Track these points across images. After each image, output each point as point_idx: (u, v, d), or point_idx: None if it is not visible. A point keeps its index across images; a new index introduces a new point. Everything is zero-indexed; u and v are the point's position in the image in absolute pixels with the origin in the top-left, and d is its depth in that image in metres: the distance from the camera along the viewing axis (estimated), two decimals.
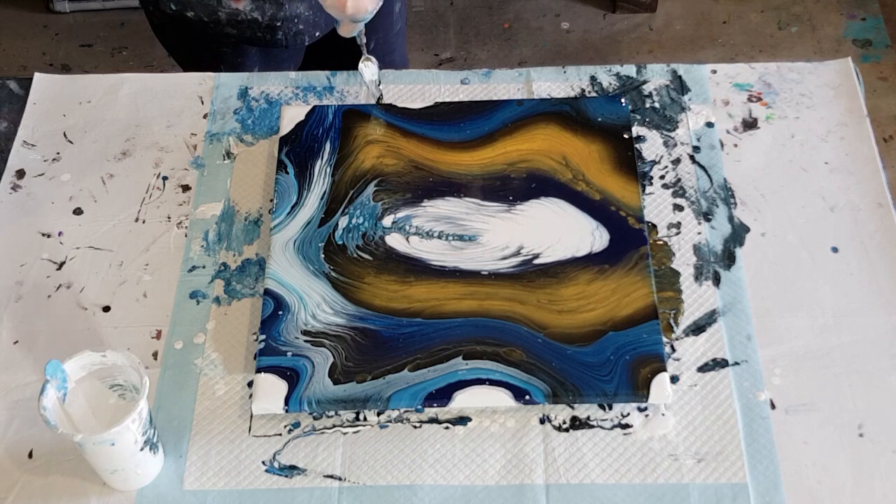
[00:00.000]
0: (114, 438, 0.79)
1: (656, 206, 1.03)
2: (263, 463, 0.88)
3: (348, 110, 1.08)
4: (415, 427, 0.90)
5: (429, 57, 2.22)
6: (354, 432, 0.89)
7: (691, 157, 1.07)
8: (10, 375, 0.93)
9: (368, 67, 1.08)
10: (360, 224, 1.00)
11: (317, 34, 1.23)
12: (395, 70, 1.16)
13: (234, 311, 0.97)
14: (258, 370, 0.90)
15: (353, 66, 1.12)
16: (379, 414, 0.90)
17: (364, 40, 1.07)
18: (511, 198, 1.01)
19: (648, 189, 1.04)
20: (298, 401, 0.88)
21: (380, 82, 1.09)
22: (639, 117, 1.10)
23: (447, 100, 1.12)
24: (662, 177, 1.05)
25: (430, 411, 0.90)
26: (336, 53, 1.31)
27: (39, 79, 1.16)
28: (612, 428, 0.89)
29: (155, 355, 0.94)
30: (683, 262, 0.99)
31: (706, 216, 1.02)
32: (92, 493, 0.86)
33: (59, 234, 1.03)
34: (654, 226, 1.02)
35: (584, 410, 0.90)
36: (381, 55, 1.35)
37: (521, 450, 0.88)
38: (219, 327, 0.96)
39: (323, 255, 0.98)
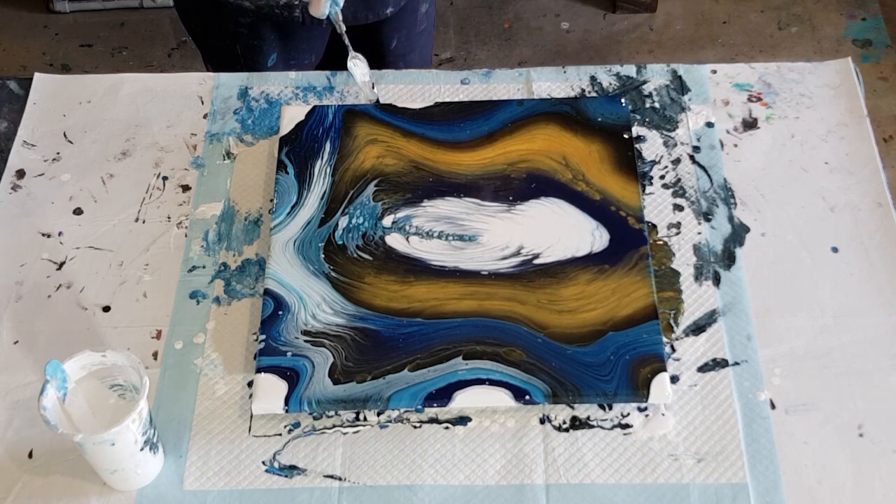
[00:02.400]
0: (114, 438, 0.79)
1: (656, 206, 1.03)
2: (263, 463, 0.88)
3: (348, 110, 1.08)
4: (415, 427, 0.90)
5: None
6: (354, 432, 0.89)
7: (691, 157, 1.07)
8: (10, 375, 0.93)
9: (358, 67, 1.08)
10: (360, 224, 1.00)
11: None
12: (394, 70, 1.16)
13: (234, 311, 0.97)
14: (258, 370, 0.90)
15: (375, 63, 1.11)
16: (379, 414, 0.90)
17: (342, 29, 1.06)
18: (511, 198, 1.01)
19: (648, 189, 1.04)
20: (298, 401, 0.88)
21: (374, 84, 1.09)
22: (639, 117, 1.10)
23: (447, 100, 1.12)
24: (662, 177, 1.05)
25: (430, 411, 0.90)
26: (359, 48, 1.31)
27: (39, 79, 1.16)
28: (612, 428, 0.89)
29: (155, 355, 0.94)
30: (683, 262, 0.99)
31: (706, 216, 1.02)
32: (92, 493, 0.86)
33: (59, 234, 1.03)
34: (654, 226, 1.02)
35: (584, 410, 0.90)
36: (400, 53, 1.35)
37: (521, 450, 0.88)
38: (219, 327, 0.96)
39: (323, 255, 0.98)
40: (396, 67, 1.37)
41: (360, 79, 1.08)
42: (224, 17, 1.22)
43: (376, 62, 1.33)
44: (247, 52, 1.24)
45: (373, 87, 1.09)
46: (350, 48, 1.07)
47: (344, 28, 1.06)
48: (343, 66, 1.11)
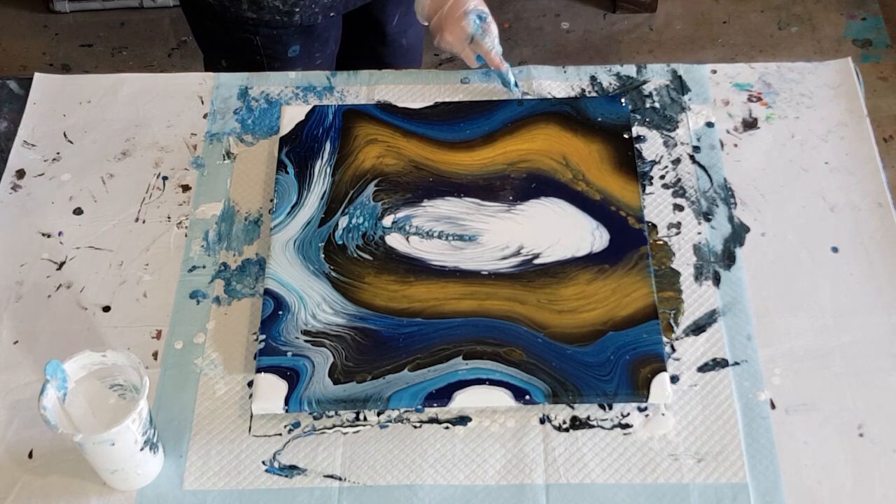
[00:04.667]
0: (114, 438, 0.79)
1: (656, 206, 1.03)
2: (263, 463, 0.88)
3: (348, 110, 1.08)
4: (415, 427, 0.90)
5: (429, 57, 2.22)
6: (354, 432, 0.89)
7: (691, 157, 1.07)
8: (10, 375, 0.93)
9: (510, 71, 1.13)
10: (360, 224, 1.00)
11: (331, 14, 1.23)
12: (394, 70, 1.17)
13: (234, 311, 0.97)
14: (258, 370, 0.90)
15: (378, 40, 1.12)
16: (379, 414, 0.90)
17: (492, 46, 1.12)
18: (511, 198, 1.01)
19: (648, 189, 1.04)
20: (298, 401, 0.88)
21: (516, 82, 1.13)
22: (639, 117, 1.10)
23: (447, 100, 1.12)
24: (662, 177, 1.05)
25: (430, 411, 0.90)
26: (362, 27, 1.31)
27: (39, 79, 1.16)
28: (612, 428, 0.89)
29: (155, 355, 0.94)
30: (683, 262, 0.99)
31: (706, 216, 1.02)
32: (92, 493, 0.86)
33: (59, 234, 1.03)
34: (654, 226, 1.02)
35: (584, 410, 0.90)
36: (402, 28, 1.37)
37: (521, 450, 0.88)
38: (219, 327, 0.96)
39: (323, 255, 0.98)
40: (398, 44, 1.38)
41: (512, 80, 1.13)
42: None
43: (378, 41, 1.34)
44: (267, 43, 1.24)
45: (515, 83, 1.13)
46: (518, 84, 1.12)
47: (500, 64, 1.11)
48: (356, 59, 1.12)
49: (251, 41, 1.24)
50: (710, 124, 1.09)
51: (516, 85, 1.12)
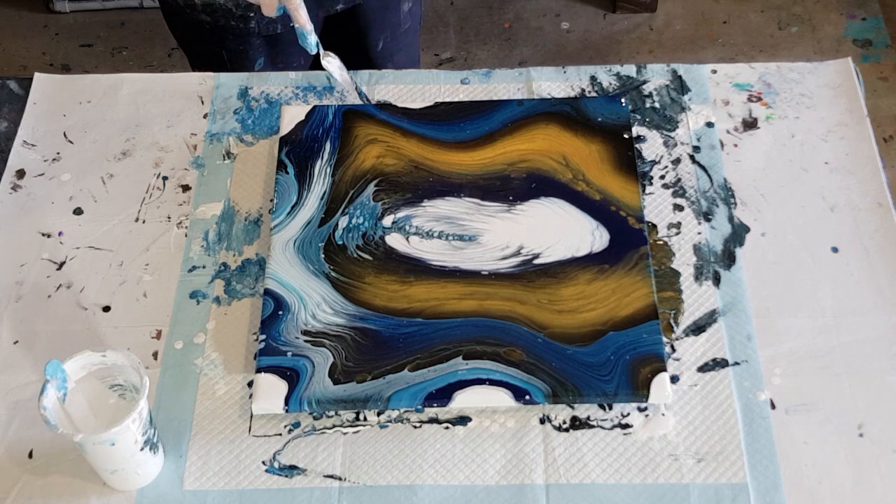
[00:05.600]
0: (114, 438, 0.79)
1: (656, 206, 1.03)
2: (263, 463, 0.88)
3: (348, 110, 1.08)
4: (415, 427, 0.90)
5: (429, 57, 2.22)
6: (354, 432, 0.89)
7: (691, 157, 1.07)
8: (10, 375, 0.93)
9: (332, 63, 1.07)
10: (360, 224, 1.00)
11: (291, 24, 1.22)
12: (394, 70, 1.16)
13: (234, 311, 0.97)
14: (258, 370, 0.90)
15: (363, 65, 1.11)
16: (379, 414, 0.90)
17: (303, 25, 1.04)
18: (511, 198, 1.01)
19: (648, 189, 1.04)
20: (298, 401, 0.89)
21: (353, 78, 1.09)
22: (639, 117, 1.10)
23: (447, 100, 1.12)
24: (662, 177, 1.05)
25: (430, 411, 0.90)
26: (345, 52, 1.31)
27: (39, 79, 1.16)
28: (612, 428, 0.89)
29: (155, 355, 0.94)
30: (683, 262, 0.99)
31: (706, 216, 1.02)
32: (92, 493, 0.86)
33: (59, 234, 1.03)
34: (654, 226, 1.02)
35: (584, 410, 0.90)
36: (388, 54, 1.35)
37: (521, 450, 0.88)
38: (219, 327, 0.96)
39: (323, 255, 0.98)
40: (385, 69, 1.37)
41: (338, 75, 1.08)
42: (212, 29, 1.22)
43: (364, 66, 1.34)
44: (233, 57, 1.24)
45: (353, 80, 1.09)
46: (320, 46, 1.05)
47: (305, 23, 1.03)
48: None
49: (220, 55, 1.24)
50: (710, 124, 1.09)
51: (318, 45, 1.06)
